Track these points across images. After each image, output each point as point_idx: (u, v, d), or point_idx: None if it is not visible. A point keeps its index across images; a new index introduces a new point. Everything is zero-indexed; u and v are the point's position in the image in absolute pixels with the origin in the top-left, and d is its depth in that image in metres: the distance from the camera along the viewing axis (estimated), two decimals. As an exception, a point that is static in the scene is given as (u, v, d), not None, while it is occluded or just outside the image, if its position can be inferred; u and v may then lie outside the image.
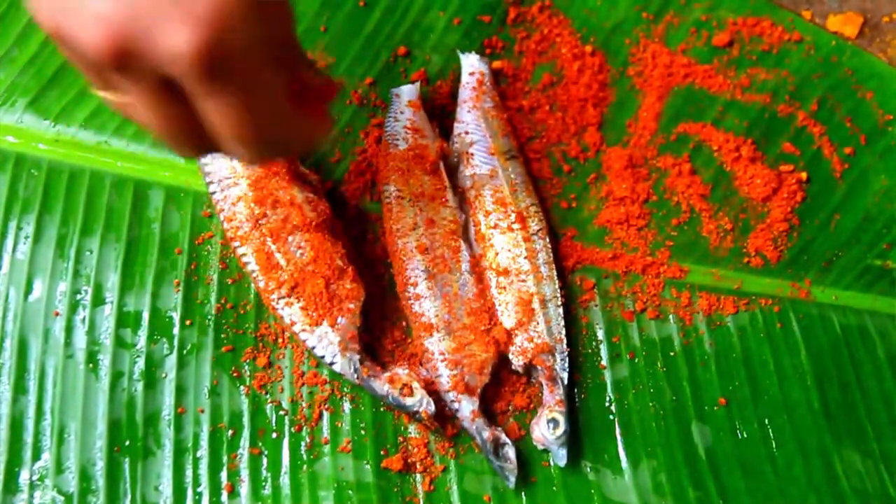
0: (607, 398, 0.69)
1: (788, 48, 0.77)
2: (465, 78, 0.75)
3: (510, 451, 0.65)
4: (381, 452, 0.67)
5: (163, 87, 0.43)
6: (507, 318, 0.67)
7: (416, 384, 0.65)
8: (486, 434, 0.65)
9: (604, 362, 0.70)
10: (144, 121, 0.46)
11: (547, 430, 0.66)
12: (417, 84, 0.74)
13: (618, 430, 0.69)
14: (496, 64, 0.77)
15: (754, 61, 0.77)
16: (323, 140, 0.56)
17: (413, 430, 0.68)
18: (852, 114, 0.76)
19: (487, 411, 0.67)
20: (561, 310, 0.68)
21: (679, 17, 0.78)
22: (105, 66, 0.42)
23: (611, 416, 0.69)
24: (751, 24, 0.78)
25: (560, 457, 0.66)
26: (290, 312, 0.67)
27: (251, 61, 0.43)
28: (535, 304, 0.68)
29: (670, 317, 0.71)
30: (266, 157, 0.50)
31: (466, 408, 0.66)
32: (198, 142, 0.47)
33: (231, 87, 0.43)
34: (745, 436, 0.68)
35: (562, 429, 0.65)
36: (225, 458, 0.66)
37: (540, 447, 0.67)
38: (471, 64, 0.76)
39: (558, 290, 0.69)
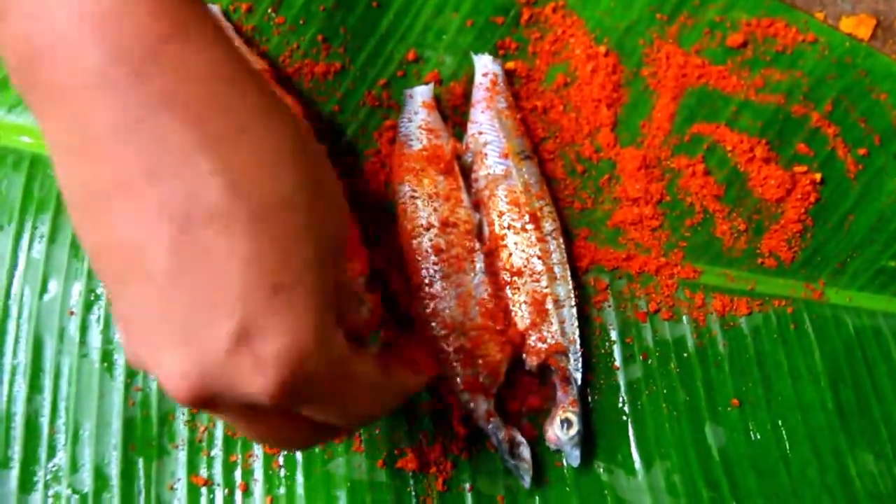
0: (620, 399, 0.69)
1: (803, 49, 0.77)
2: (478, 79, 0.75)
3: (525, 451, 0.65)
4: (395, 452, 0.67)
5: (250, 414, 0.45)
6: (521, 319, 0.68)
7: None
8: (502, 434, 0.65)
9: (617, 363, 0.70)
10: (247, 435, 0.49)
11: (560, 430, 0.66)
12: (431, 85, 0.74)
13: (631, 431, 0.69)
14: (509, 65, 0.77)
15: (768, 62, 0.77)
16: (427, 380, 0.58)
17: (427, 429, 0.68)
18: (867, 115, 0.76)
19: (501, 411, 0.67)
20: (574, 310, 0.68)
21: (693, 18, 0.78)
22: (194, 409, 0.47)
23: (624, 417, 0.69)
24: (765, 24, 0.78)
25: (573, 457, 0.66)
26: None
27: (332, 380, 0.45)
28: (549, 305, 0.68)
29: (684, 318, 0.71)
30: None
31: (481, 407, 0.66)
32: (298, 440, 0.49)
33: (320, 404, 0.46)
34: (759, 437, 0.68)
35: (575, 429, 0.66)
36: (239, 457, 0.67)
37: (553, 447, 0.67)
38: (484, 65, 0.76)
39: (572, 291, 0.69)
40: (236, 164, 0.41)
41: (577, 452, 0.66)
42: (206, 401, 0.42)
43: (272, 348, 0.41)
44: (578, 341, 0.68)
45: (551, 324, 0.67)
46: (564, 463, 0.67)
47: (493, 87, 0.74)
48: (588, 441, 0.67)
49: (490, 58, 0.76)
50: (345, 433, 0.54)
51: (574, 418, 0.66)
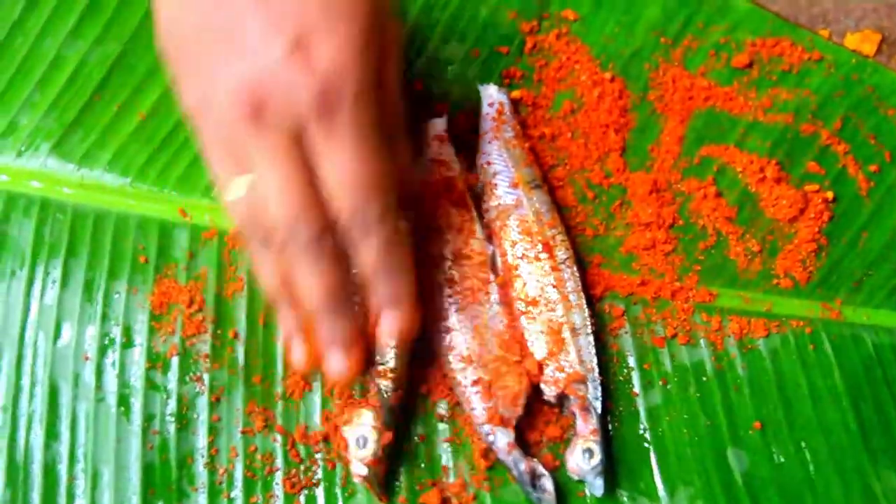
0: (641, 426, 0.69)
1: (808, 67, 0.77)
2: (484, 109, 0.75)
3: (548, 483, 0.65)
4: (417, 488, 0.66)
5: (290, 144, 0.54)
6: (538, 349, 0.67)
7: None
8: (523, 466, 0.65)
9: (636, 389, 0.70)
10: (271, 191, 0.55)
11: (582, 459, 0.65)
12: (445, 117, 0.74)
13: (653, 458, 0.68)
14: (515, 93, 0.77)
15: (775, 81, 0.77)
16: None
17: (448, 463, 0.67)
18: (875, 131, 0.76)
19: (521, 443, 0.67)
20: (591, 338, 0.68)
21: (697, 41, 0.78)
22: (245, 121, 0.53)
23: (645, 444, 0.68)
24: (770, 44, 0.78)
25: (597, 487, 0.65)
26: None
27: (362, 100, 0.55)
28: (566, 334, 0.67)
29: (701, 341, 0.71)
30: (388, 208, 0.58)
31: (502, 440, 0.65)
32: (317, 212, 0.56)
33: (346, 126, 0.54)
34: (782, 459, 0.68)
35: (597, 458, 0.65)
36: (260, 498, 0.66)
37: (575, 478, 0.66)
38: (490, 95, 0.76)
39: (588, 319, 0.68)
40: None
41: (600, 482, 0.65)
42: (257, 102, 0.52)
43: (323, 54, 0.53)
44: (597, 369, 0.67)
45: (569, 353, 0.67)
46: (587, 493, 0.67)
47: (499, 116, 0.74)
48: (610, 469, 0.67)
49: (495, 87, 0.76)
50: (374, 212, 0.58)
51: (596, 447, 0.65)
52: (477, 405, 0.66)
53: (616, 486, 0.67)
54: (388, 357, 0.66)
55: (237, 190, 0.56)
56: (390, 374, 0.66)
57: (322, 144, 0.55)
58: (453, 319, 0.67)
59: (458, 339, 0.67)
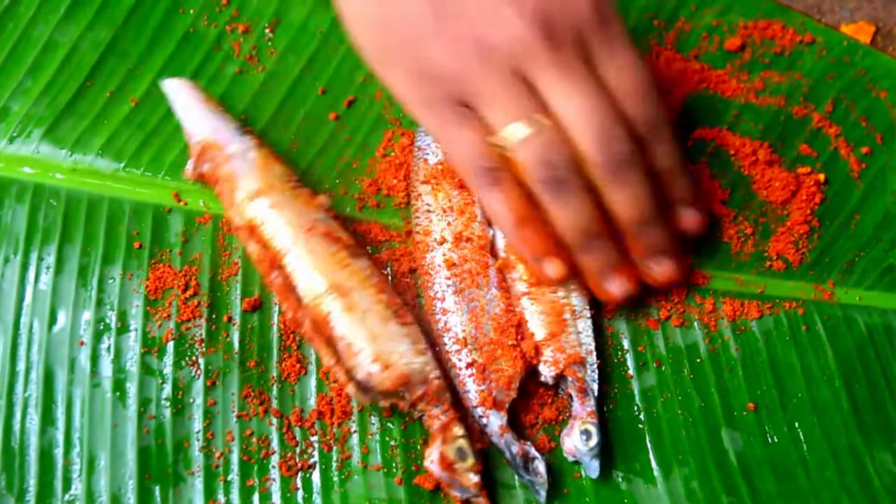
0: (636, 407, 0.69)
1: (801, 50, 0.77)
2: None
3: (540, 466, 0.65)
4: (413, 469, 0.67)
5: (581, 57, 0.61)
6: (538, 330, 0.67)
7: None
8: (516, 449, 0.65)
9: (631, 371, 0.70)
10: (572, 118, 0.61)
11: (580, 441, 0.65)
12: None
13: (648, 439, 0.68)
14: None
15: (767, 64, 0.77)
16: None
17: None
18: (867, 113, 0.76)
19: (516, 425, 0.67)
20: (590, 321, 0.68)
21: (690, 24, 0.78)
22: (540, 41, 0.59)
23: (640, 426, 0.69)
24: (762, 27, 0.78)
25: (593, 469, 0.66)
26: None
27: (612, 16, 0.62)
28: (567, 316, 0.68)
29: (695, 323, 0.71)
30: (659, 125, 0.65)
31: (494, 423, 0.66)
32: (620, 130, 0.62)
33: (622, 33, 0.62)
34: (776, 440, 0.68)
35: (595, 440, 0.65)
36: (256, 482, 0.66)
37: (571, 459, 0.67)
38: None
39: (587, 302, 0.69)
40: None
41: (596, 464, 0.65)
42: (550, 26, 0.59)
43: None
44: (595, 352, 0.68)
45: (569, 334, 0.67)
46: (583, 474, 0.67)
47: None
48: (605, 451, 0.67)
49: None
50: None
51: (593, 429, 0.65)
52: (470, 387, 0.66)
53: (611, 467, 0.68)
54: (438, 371, 0.66)
55: (522, 130, 0.61)
56: (447, 386, 0.67)
57: (607, 52, 0.61)
58: (450, 301, 0.68)
59: (454, 320, 0.67)
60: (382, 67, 0.66)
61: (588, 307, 0.68)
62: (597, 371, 0.67)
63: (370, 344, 0.65)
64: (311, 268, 0.67)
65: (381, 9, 0.63)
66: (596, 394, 0.67)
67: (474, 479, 0.64)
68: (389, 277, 0.72)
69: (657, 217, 0.65)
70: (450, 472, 0.64)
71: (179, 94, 0.74)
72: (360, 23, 0.66)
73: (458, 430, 0.65)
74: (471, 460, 0.64)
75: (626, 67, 0.62)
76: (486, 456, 0.67)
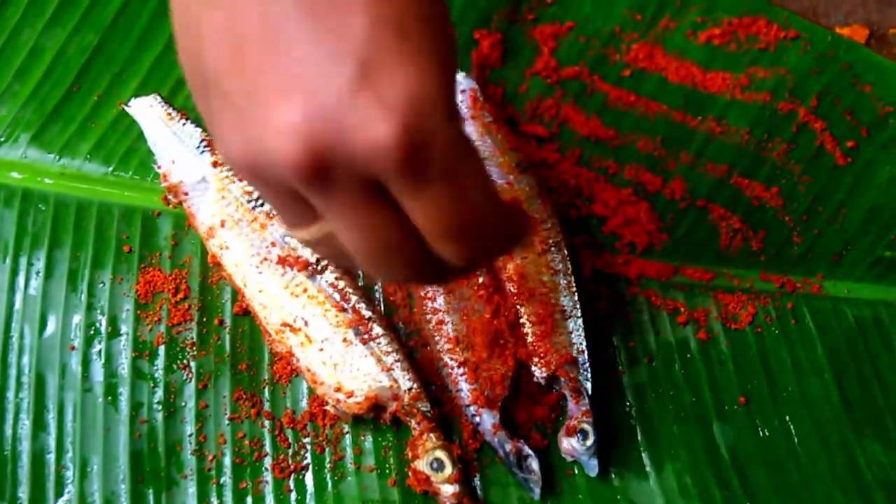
0: (627, 403, 0.69)
1: (785, 45, 0.78)
2: (457, 97, 0.75)
3: (534, 463, 0.65)
4: (406, 470, 0.67)
5: (365, 194, 0.41)
6: (530, 331, 0.67)
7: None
8: (509, 447, 0.65)
9: (622, 367, 0.70)
10: (354, 246, 0.44)
11: (576, 441, 0.66)
12: None
13: (640, 434, 0.69)
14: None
15: (752, 60, 0.78)
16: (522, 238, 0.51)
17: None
18: (852, 107, 0.77)
19: (509, 423, 0.67)
20: (581, 321, 0.68)
21: (675, 21, 0.78)
22: (306, 180, 0.40)
23: (632, 421, 0.69)
24: (746, 23, 0.78)
25: (591, 467, 0.66)
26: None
27: (455, 144, 0.41)
28: (557, 316, 0.68)
29: (685, 319, 0.72)
30: (484, 255, 0.46)
31: (487, 421, 0.66)
32: (410, 256, 0.44)
33: (438, 177, 0.40)
34: (767, 433, 0.69)
35: (591, 439, 0.65)
36: (249, 484, 0.66)
37: (569, 459, 0.67)
38: (458, 82, 0.75)
39: (577, 302, 0.69)
40: None
41: (594, 462, 0.66)
42: (321, 160, 0.39)
43: (396, 91, 0.38)
44: (586, 351, 0.68)
45: (560, 335, 0.67)
46: (575, 471, 0.67)
47: (474, 103, 0.74)
48: (601, 449, 0.67)
49: (463, 74, 0.75)
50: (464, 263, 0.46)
51: (589, 429, 0.66)
52: (463, 386, 0.66)
53: (604, 462, 0.68)
54: (411, 382, 0.66)
55: (307, 235, 0.47)
56: (421, 394, 0.67)
57: (411, 195, 0.42)
58: (441, 301, 0.68)
59: (446, 320, 0.67)
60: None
61: (579, 307, 0.69)
62: (589, 370, 0.67)
63: (331, 375, 0.66)
64: (264, 305, 0.68)
65: None
66: (590, 392, 0.67)
67: (451, 489, 0.64)
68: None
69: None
70: (426, 486, 0.64)
71: (141, 116, 0.74)
72: None
73: (434, 440, 0.65)
74: (448, 470, 0.64)
75: (433, 216, 0.42)
76: (480, 454, 0.67)
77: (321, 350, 0.66)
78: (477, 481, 0.67)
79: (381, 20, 0.38)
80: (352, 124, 0.38)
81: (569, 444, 0.66)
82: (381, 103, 0.38)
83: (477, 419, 0.66)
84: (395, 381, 0.65)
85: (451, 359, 0.67)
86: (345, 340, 0.66)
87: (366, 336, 0.66)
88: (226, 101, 0.41)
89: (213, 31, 0.41)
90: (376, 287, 0.70)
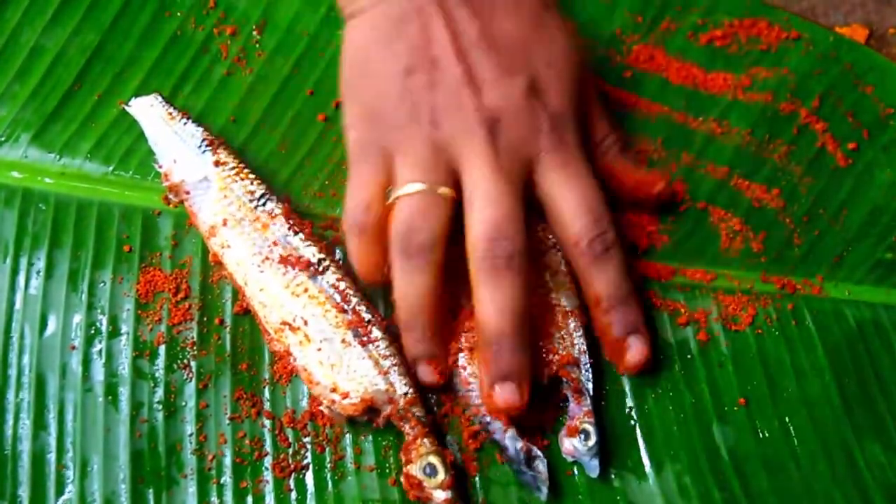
0: (627, 404, 0.69)
1: (787, 46, 0.78)
2: None
3: (542, 464, 0.65)
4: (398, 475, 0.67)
5: (522, 172, 0.64)
6: (530, 332, 0.67)
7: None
8: (520, 445, 0.65)
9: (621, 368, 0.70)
10: (486, 218, 0.62)
11: (578, 441, 0.66)
12: None
13: (639, 436, 0.69)
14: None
15: (753, 61, 0.78)
16: None
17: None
18: (854, 109, 0.77)
19: (513, 423, 0.67)
20: (580, 321, 0.68)
21: (676, 23, 0.79)
22: (477, 142, 0.62)
23: (632, 422, 0.69)
24: (747, 24, 0.78)
25: (592, 468, 0.66)
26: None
27: (581, 141, 0.68)
28: (558, 317, 0.68)
29: (684, 320, 0.72)
30: (617, 233, 0.66)
31: (498, 421, 0.66)
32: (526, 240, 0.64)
33: (578, 157, 0.66)
34: (767, 435, 0.69)
35: (593, 440, 0.65)
36: (249, 483, 0.66)
37: (570, 459, 0.67)
38: None
39: (578, 301, 0.69)
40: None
41: (595, 463, 0.66)
42: (496, 133, 0.62)
43: (552, 99, 0.64)
44: (587, 352, 0.68)
45: (561, 335, 0.67)
46: (575, 471, 0.67)
47: None
48: (601, 449, 0.67)
49: None
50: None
51: (591, 429, 0.66)
52: (474, 386, 0.66)
53: (604, 464, 0.68)
54: (407, 386, 0.66)
55: (414, 188, 0.62)
56: (417, 399, 0.66)
57: (558, 172, 0.63)
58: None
59: (453, 324, 0.67)
60: (345, 97, 0.68)
61: (579, 306, 0.69)
62: (591, 371, 0.67)
63: (328, 375, 0.66)
64: (264, 304, 0.68)
65: (370, 48, 0.66)
66: (591, 393, 0.67)
67: (443, 495, 0.64)
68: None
69: (517, 335, 0.63)
70: (418, 492, 0.64)
71: (142, 115, 0.75)
72: (349, 52, 0.68)
73: (428, 445, 0.65)
74: (441, 476, 0.63)
75: (573, 191, 0.64)
76: (480, 454, 0.67)
77: (319, 350, 0.66)
78: (477, 481, 0.67)
79: (539, 50, 0.66)
80: (524, 114, 0.63)
81: (570, 445, 0.66)
82: (542, 106, 0.64)
83: (487, 418, 0.66)
84: (392, 384, 0.65)
85: (466, 360, 0.67)
86: (343, 341, 0.66)
87: (365, 338, 0.66)
88: (414, 89, 0.64)
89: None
90: (377, 290, 0.70)
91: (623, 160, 0.71)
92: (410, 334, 0.65)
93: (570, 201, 0.63)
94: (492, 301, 0.62)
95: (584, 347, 0.68)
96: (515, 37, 0.65)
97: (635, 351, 0.67)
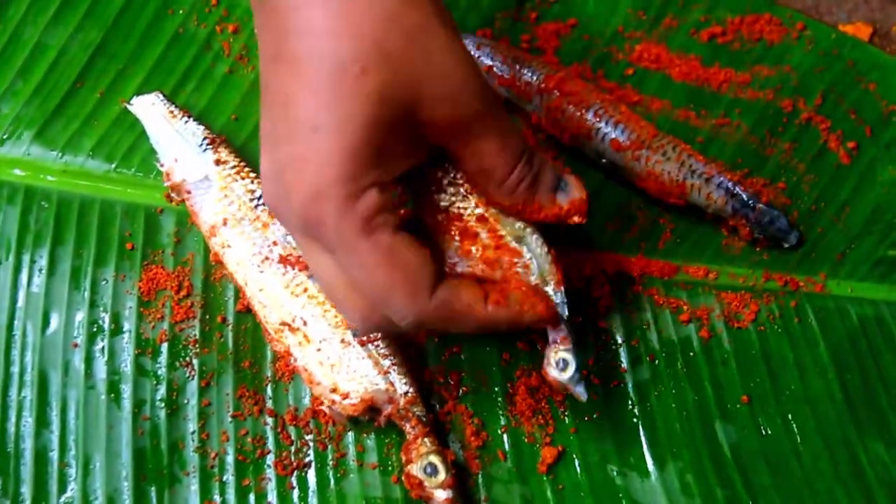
0: (630, 401, 0.69)
1: (789, 43, 0.78)
2: None
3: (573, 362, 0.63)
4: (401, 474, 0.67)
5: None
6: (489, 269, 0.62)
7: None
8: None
9: (624, 365, 0.70)
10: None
11: (556, 370, 0.63)
12: None
13: (642, 433, 0.69)
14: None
15: (756, 58, 0.78)
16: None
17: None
18: (856, 106, 0.76)
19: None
20: (541, 241, 0.63)
21: (678, 19, 0.78)
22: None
23: (634, 419, 0.69)
24: (749, 21, 0.78)
25: (580, 393, 0.63)
26: None
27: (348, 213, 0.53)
28: (512, 243, 0.63)
29: (688, 317, 0.72)
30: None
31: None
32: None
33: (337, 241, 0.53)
34: (769, 432, 0.69)
35: (572, 367, 0.63)
36: (252, 481, 0.66)
37: (557, 387, 0.64)
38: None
39: (532, 224, 0.63)
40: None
41: (581, 389, 0.63)
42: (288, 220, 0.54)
43: (299, 185, 0.51)
44: (557, 276, 0.63)
45: (524, 262, 0.63)
46: (577, 468, 0.67)
47: None
48: (601, 441, 0.67)
49: None
50: None
51: (569, 356, 0.63)
52: None
53: (607, 461, 0.68)
54: (407, 385, 0.66)
55: None
56: (417, 399, 0.66)
57: (341, 252, 0.54)
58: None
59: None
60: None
61: (534, 227, 0.63)
62: (564, 294, 0.63)
63: (328, 375, 0.66)
64: (263, 304, 0.68)
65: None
66: (566, 316, 0.63)
67: (444, 495, 0.63)
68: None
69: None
70: (419, 491, 0.64)
71: (144, 113, 0.75)
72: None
73: (428, 444, 0.65)
74: (442, 475, 0.63)
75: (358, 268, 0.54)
76: (482, 452, 0.67)
77: (319, 350, 0.66)
78: (479, 479, 0.67)
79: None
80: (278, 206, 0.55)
81: (552, 375, 0.63)
82: (287, 197, 0.53)
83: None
84: (392, 384, 0.65)
85: None
86: (343, 341, 0.66)
87: (364, 338, 0.66)
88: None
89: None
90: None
91: (536, 197, 0.60)
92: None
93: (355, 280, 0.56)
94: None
95: (554, 272, 0.63)
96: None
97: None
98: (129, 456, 0.67)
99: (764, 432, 0.69)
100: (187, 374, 0.68)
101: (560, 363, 0.63)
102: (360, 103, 0.51)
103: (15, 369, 0.68)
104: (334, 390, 0.65)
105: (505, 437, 0.68)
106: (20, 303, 0.70)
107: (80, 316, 0.70)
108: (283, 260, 0.68)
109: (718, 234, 0.74)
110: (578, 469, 0.67)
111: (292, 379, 0.69)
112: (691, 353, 0.71)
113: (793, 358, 0.71)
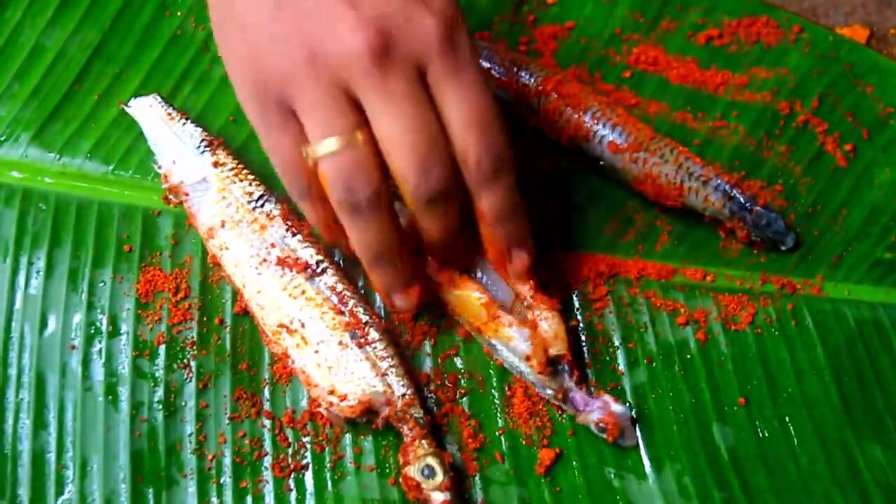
0: (627, 404, 0.69)
1: (786, 46, 0.78)
2: None
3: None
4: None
5: (416, 84, 0.56)
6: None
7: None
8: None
9: (621, 368, 0.70)
10: (395, 142, 0.57)
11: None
12: None
13: (639, 435, 0.69)
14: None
15: (753, 60, 0.78)
16: None
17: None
18: (853, 108, 0.77)
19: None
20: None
21: (676, 22, 0.79)
22: (369, 64, 0.54)
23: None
24: (747, 24, 0.78)
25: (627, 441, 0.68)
26: None
27: (473, 42, 0.58)
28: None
29: (684, 319, 0.72)
30: (510, 149, 0.60)
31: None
32: (445, 154, 0.58)
33: (468, 62, 0.57)
34: (767, 434, 0.69)
35: (604, 435, 0.67)
36: (249, 483, 0.66)
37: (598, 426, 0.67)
38: None
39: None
40: None
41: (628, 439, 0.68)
42: (385, 45, 0.54)
43: (435, 2, 0.56)
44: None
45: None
46: (575, 470, 0.67)
47: None
48: (598, 446, 0.67)
49: None
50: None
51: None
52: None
53: (603, 463, 0.68)
54: (405, 388, 0.66)
55: (332, 145, 0.56)
56: (415, 401, 0.66)
57: (450, 79, 0.57)
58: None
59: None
60: (220, 49, 0.62)
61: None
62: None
63: (326, 377, 0.66)
64: (261, 306, 0.68)
65: None
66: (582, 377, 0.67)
67: (441, 497, 0.63)
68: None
69: (460, 242, 0.65)
70: (416, 493, 0.64)
71: (141, 115, 0.75)
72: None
73: (426, 447, 0.64)
74: (439, 477, 0.63)
75: (466, 100, 0.57)
76: (479, 454, 0.67)
77: (316, 352, 0.66)
78: (477, 481, 0.67)
79: None
80: (409, 20, 0.55)
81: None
82: (428, 8, 0.56)
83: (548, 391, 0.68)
84: (389, 386, 0.65)
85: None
86: (340, 343, 0.66)
87: (362, 340, 0.66)
88: (285, 21, 0.56)
89: None
90: (374, 291, 0.70)
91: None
92: (377, 271, 0.64)
93: (460, 112, 0.57)
94: (433, 227, 0.62)
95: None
96: None
97: (518, 262, 0.65)
98: (127, 458, 0.66)
99: (761, 435, 0.69)
100: (185, 376, 0.68)
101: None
102: None
103: (12, 371, 0.68)
104: (332, 392, 0.65)
105: (502, 439, 0.68)
106: (18, 304, 0.70)
107: (78, 318, 0.70)
108: (281, 262, 0.68)
109: (716, 236, 0.74)
110: (576, 471, 0.67)
111: (290, 381, 0.69)
112: (688, 356, 0.71)
113: (790, 360, 0.71)
